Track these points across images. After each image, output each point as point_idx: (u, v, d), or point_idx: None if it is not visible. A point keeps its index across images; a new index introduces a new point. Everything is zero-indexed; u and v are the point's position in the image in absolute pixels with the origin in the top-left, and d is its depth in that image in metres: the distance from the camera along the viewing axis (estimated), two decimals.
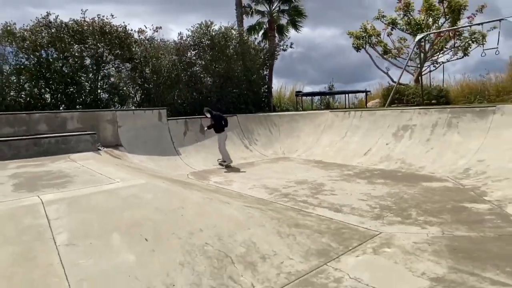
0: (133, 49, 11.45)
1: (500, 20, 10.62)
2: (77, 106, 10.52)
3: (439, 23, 15.25)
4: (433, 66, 16.55)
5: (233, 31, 13.45)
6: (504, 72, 14.13)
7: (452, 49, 15.72)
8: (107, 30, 10.77)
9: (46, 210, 3.03)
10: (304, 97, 19.06)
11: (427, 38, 14.86)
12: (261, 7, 17.25)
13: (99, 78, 11.29)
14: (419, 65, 15.76)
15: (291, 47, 15.63)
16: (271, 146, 11.29)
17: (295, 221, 3.90)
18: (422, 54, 15.49)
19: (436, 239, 3.45)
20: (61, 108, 10.38)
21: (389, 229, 3.84)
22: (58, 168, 5.09)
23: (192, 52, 12.89)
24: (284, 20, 17.55)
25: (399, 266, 2.86)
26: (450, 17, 14.85)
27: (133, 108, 11.85)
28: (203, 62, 12.94)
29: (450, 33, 15.03)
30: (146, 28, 12.39)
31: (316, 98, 20.16)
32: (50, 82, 10.21)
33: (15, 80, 9.98)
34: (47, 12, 10.21)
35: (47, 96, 10.39)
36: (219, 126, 8.63)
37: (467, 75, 18.42)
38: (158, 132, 9.32)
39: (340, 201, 5.16)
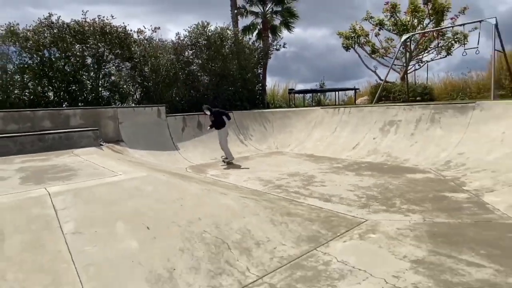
0: (133, 48, 11.39)
1: (480, 21, 10.72)
2: (79, 104, 10.48)
3: (424, 24, 15.34)
4: (418, 65, 16.67)
5: (228, 31, 13.42)
6: (485, 70, 14.30)
7: (436, 49, 15.84)
8: (107, 31, 10.70)
9: (53, 201, 3.07)
10: (296, 95, 19.13)
11: (412, 38, 14.95)
12: (255, 8, 17.25)
13: (100, 76, 11.23)
14: (405, 64, 15.85)
15: (284, 47, 15.68)
16: (265, 141, 11.36)
17: (287, 210, 3.97)
18: (407, 54, 15.58)
19: (418, 226, 3.54)
20: (63, 105, 10.33)
21: (374, 217, 3.93)
22: (62, 162, 5.11)
23: (189, 51, 12.85)
24: (277, 21, 17.59)
25: (383, 250, 2.95)
26: (434, 18, 14.95)
27: (133, 105, 11.81)
28: (200, 61, 12.92)
29: (434, 33, 15.16)
30: (145, 28, 12.38)
31: (308, 95, 20.25)
32: (53, 80, 10.14)
33: (19, 79, 9.89)
34: (49, 13, 10.13)
35: (50, 94, 10.32)
36: (219, 122, 8.31)
37: (450, 73, 18.51)
38: (157, 128, 9.33)
39: (329, 192, 5.25)
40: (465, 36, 14.31)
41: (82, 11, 10.93)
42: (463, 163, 6.41)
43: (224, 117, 8.30)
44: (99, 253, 2.52)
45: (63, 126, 7.56)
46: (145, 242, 2.74)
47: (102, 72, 11.25)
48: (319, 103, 19.25)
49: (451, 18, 15.03)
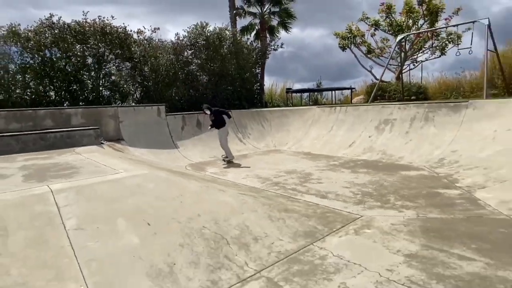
0: (133, 48, 11.38)
1: (473, 22, 10.77)
2: (80, 103, 10.46)
3: (419, 25, 15.38)
4: (413, 65, 16.73)
5: (227, 32, 13.42)
6: (478, 70, 14.37)
7: (431, 49, 15.90)
8: (107, 31, 10.68)
9: (56, 198, 3.08)
10: (294, 94, 19.17)
11: (407, 38, 14.99)
12: (253, 9, 17.23)
13: (101, 76, 11.22)
14: (400, 64, 15.91)
15: (281, 47, 15.69)
16: (263, 139, 11.37)
17: (284, 207, 4.00)
18: (402, 54, 15.63)
19: (411, 221, 3.58)
20: (65, 104, 10.32)
21: (369, 213, 3.96)
22: (64, 160, 5.11)
23: (189, 51, 12.85)
24: (275, 22, 17.58)
25: (377, 244, 2.98)
26: (429, 19, 14.98)
27: (134, 104, 11.80)
28: (199, 61, 12.91)
29: (428, 34, 15.20)
30: (144, 29, 12.41)
31: (305, 94, 20.29)
32: (54, 80, 10.12)
33: (20, 79, 9.87)
34: (50, 14, 10.10)
35: (52, 93, 10.31)
36: (219, 121, 8.17)
37: (444, 73, 18.59)
38: (157, 127, 9.32)
39: (326, 189, 5.27)
40: (459, 37, 14.36)
41: (83, 11, 10.91)
42: (456, 161, 6.45)
43: (224, 116, 8.18)
44: (101, 249, 2.54)
45: (64, 125, 7.55)
46: (146, 238, 2.76)
47: (103, 72, 11.23)
48: (316, 102, 19.28)
49: (445, 19, 15.09)
